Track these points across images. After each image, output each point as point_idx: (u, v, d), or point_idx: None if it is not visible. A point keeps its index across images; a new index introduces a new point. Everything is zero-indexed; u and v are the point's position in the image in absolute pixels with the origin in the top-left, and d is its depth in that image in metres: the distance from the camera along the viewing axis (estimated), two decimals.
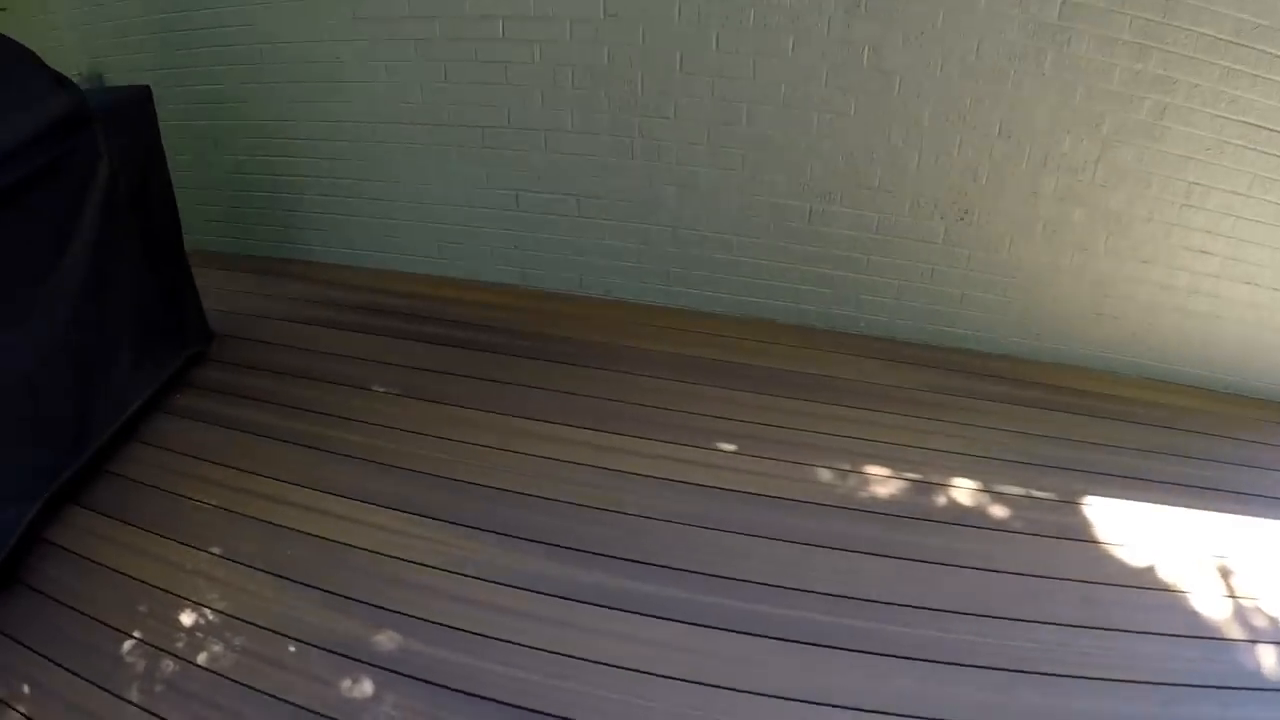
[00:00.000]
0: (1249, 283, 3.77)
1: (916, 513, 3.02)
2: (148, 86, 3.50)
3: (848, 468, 3.23)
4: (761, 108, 3.96)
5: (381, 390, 3.61)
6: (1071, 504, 3.13)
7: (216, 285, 4.51)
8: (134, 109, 3.32)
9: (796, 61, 3.79)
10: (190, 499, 2.96)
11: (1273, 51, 3.26)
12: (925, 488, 3.15)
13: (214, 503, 2.94)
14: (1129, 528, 3.01)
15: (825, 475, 3.15)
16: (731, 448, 3.32)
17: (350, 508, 2.89)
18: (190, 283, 3.83)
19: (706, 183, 4.17)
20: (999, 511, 3.08)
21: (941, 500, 3.12)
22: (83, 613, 2.51)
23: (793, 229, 4.14)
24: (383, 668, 2.35)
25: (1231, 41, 3.25)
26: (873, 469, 3.24)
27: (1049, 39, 3.50)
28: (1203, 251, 3.72)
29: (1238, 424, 3.77)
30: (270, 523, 2.81)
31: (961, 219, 3.98)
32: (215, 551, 2.71)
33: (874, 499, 3.06)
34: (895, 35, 3.66)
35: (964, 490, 3.15)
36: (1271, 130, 3.43)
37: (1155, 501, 3.15)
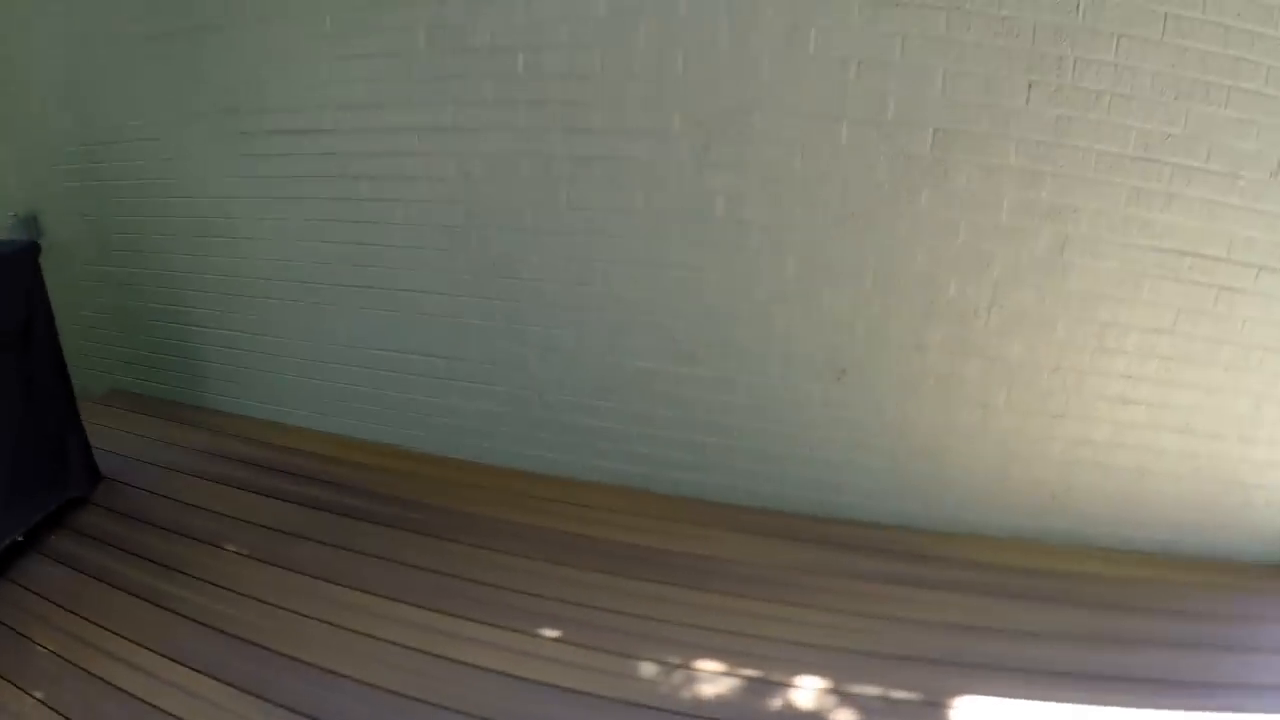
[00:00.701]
0: (1181, 431, 3.23)
1: (741, 718, 2.50)
2: (35, 242, 3.58)
3: (677, 661, 2.71)
4: (617, 266, 3.55)
5: (233, 550, 3.43)
6: (938, 706, 2.49)
7: (122, 427, 4.56)
8: (18, 262, 3.40)
9: (650, 216, 3.38)
10: (34, 641, 2.87)
11: (1189, 163, 2.81)
12: (761, 687, 2.60)
13: (53, 648, 2.84)
14: None
15: (649, 670, 2.69)
16: (557, 634, 2.89)
17: (170, 669, 2.74)
18: (77, 425, 3.76)
19: (566, 345, 3.77)
20: (842, 718, 2.48)
21: (776, 703, 2.52)
22: None
23: (658, 392, 3.66)
24: None
25: (1138, 157, 2.81)
26: (707, 663, 2.71)
27: (923, 174, 3.05)
28: (1124, 400, 3.20)
29: (1179, 593, 3.11)
30: (97, 675, 2.69)
31: (839, 379, 3.44)
32: (38, 696, 2.61)
33: (697, 700, 2.54)
34: (750, 182, 3.23)
35: (807, 690, 2.58)
36: (1196, 255, 2.92)
37: (1072, 699, 2.50)
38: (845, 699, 2.59)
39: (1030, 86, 2.88)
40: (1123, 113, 2.82)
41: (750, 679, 2.70)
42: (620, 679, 2.71)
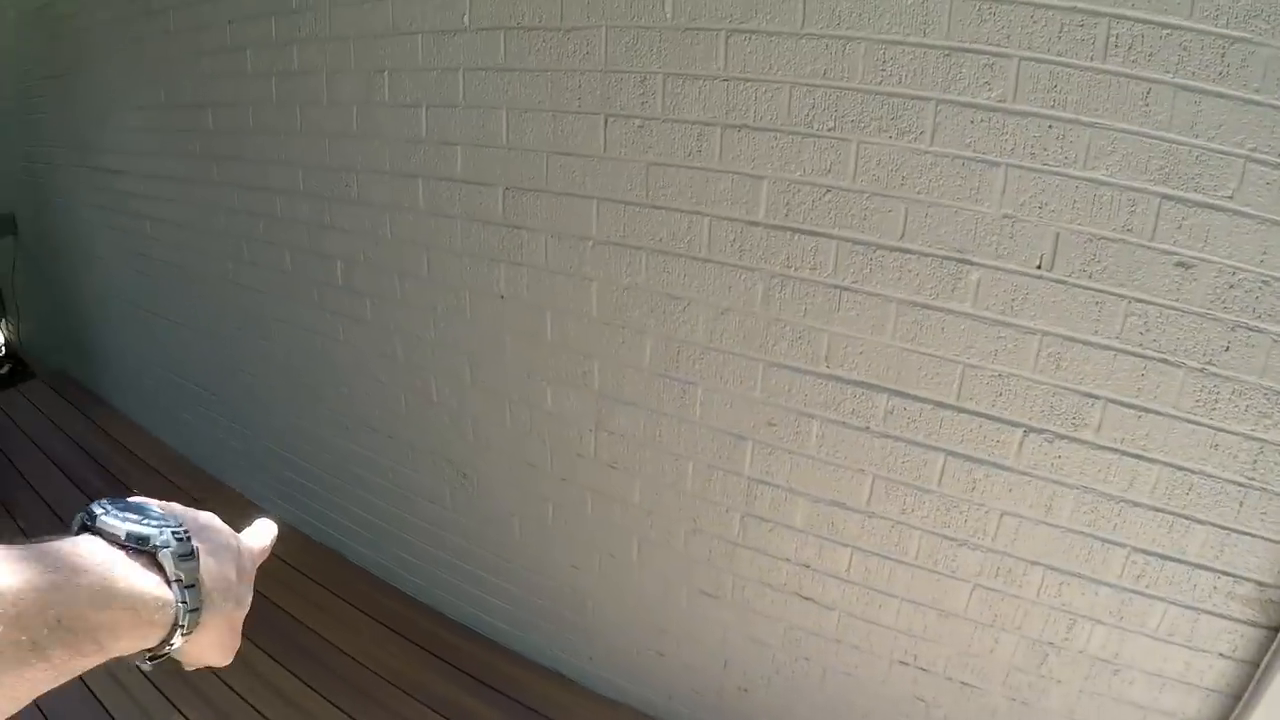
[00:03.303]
0: (902, 662, 1.97)
1: None
2: None
3: None
4: (280, 325, 2.89)
5: None
6: None
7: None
8: None
9: (294, 277, 2.74)
10: None
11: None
12: None
13: None
14: None
15: None
16: None
17: None
18: None
19: (240, 395, 3.11)
20: None
21: None
22: None
23: (322, 454, 3.02)
24: None
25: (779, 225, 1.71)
26: None
27: (499, 244, 2.18)
28: (801, 595, 2.05)
29: None
30: None
31: (464, 482, 2.54)
32: None
33: None
34: (357, 249, 2.55)
35: None
36: (895, 392, 1.73)
37: None
38: None
39: (607, 123, 1.90)
40: (751, 159, 1.70)
41: None
42: None
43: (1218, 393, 1.43)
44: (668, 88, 1.74)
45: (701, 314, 1.82)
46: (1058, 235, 1.47)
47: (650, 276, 1.86)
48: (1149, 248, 1.44)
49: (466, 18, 1.98)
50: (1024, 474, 1.59)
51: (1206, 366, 1.43)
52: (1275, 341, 1.36)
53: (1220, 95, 1.31)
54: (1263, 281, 1.33)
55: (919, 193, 1.54)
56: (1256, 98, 1.26)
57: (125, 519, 0.46)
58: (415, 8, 2.10)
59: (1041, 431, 1.56)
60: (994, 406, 1.59)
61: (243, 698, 2.30)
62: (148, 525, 0.46)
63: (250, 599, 0.56)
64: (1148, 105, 1.36)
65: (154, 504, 0.50)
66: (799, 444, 1.78)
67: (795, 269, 1.69)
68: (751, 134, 1.67)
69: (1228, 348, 1.43)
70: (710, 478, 1.93)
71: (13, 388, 4.60)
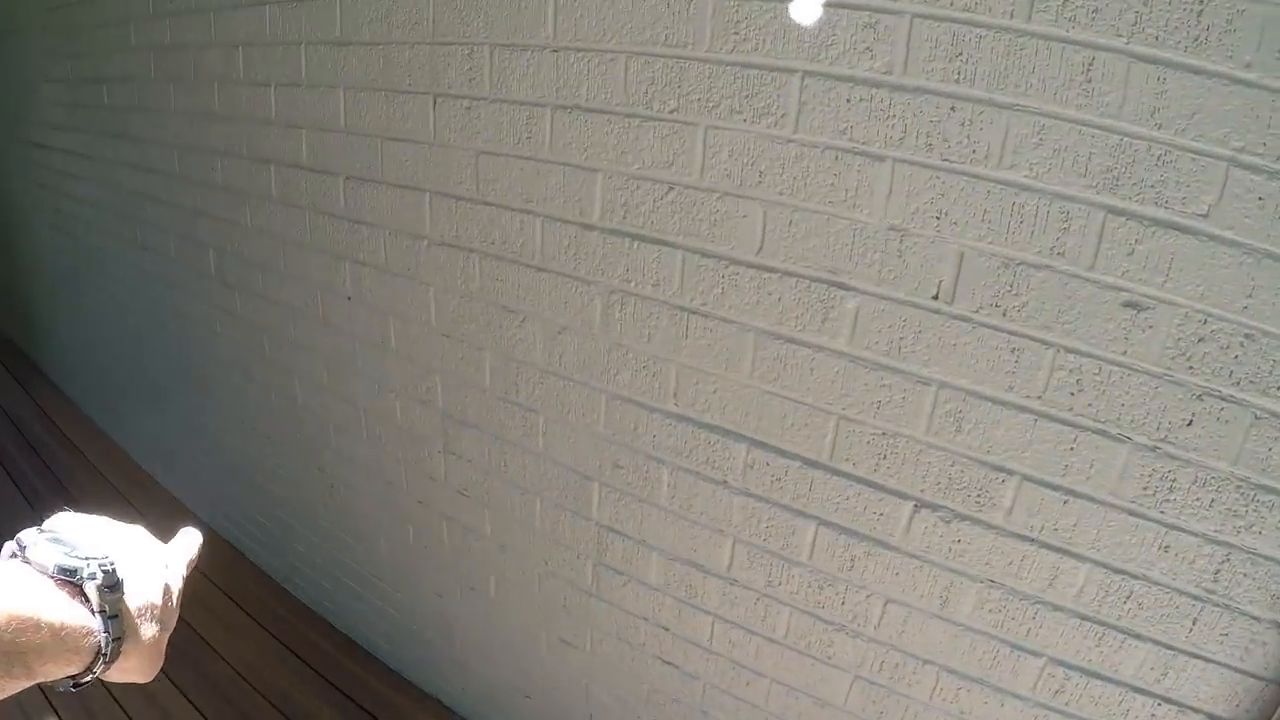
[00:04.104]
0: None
1: None
2: None
3: None
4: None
5: None
6: None
7: None
8: None
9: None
10: None
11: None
12: None
13: None
14: None
15: None
16: None
17: None
18: None
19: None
20: None
21: None
22: None
23: (224, 457, 2.49)
24: None
25: None
26: None
27: (346, 243, 1.73)
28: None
29: None
30: None
31: (331, 491, 2.12)
32: None
33: None
34: (229, 236, 2.11)
35: None
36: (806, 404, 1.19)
37: None
38: None
39: (436, 104, 1.42)
40: (583, 148, 1.09)
41: None
42: None
43: (1173, 479, 0.97)
44: (496, 61, 1.21)
45: (539, 331, 1.33)
46: (961, 256, 1.01)
47: (485, 284, 1.39)
48: (1087, 279, 0.95)
49: None
50: (914, 556, 1.09)
51: (1160, 444, 0.96)
52: (1258, 418, 0.83)
53: (1195, 70, 0.83)
54: (1245, 335, 0.81)
55: (780, 193, 1.03)
56: (1247, 75, 0.79)
57: (54, 550, 0.45)
58: None
59: (936, 508, 1.05)
60: (876, 471, 1.08)
61: (113, 695, 2.01)
62: (74, 558, 0.45)
63: (175, 619, 0.54)
64: (1090, 81, 0.89)
65: (82, 527, 0.50)
66: (649, 492, 1.30)
67: (636, 284, 1.19)
68: (584, 116, 1.14)
69: (1190, 421, 0.94)
70: (559, 518, 1.47)
71: None
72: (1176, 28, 0.81)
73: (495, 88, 1.29)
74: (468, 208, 1.39)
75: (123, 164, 2.36)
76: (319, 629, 2.25)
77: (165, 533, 0.61)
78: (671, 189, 1.15)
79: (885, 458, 1.10)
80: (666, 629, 1.43)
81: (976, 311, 0.99)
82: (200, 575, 1.83)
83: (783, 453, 1.18)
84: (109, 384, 3.18)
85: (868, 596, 1.18)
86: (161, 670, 0.57)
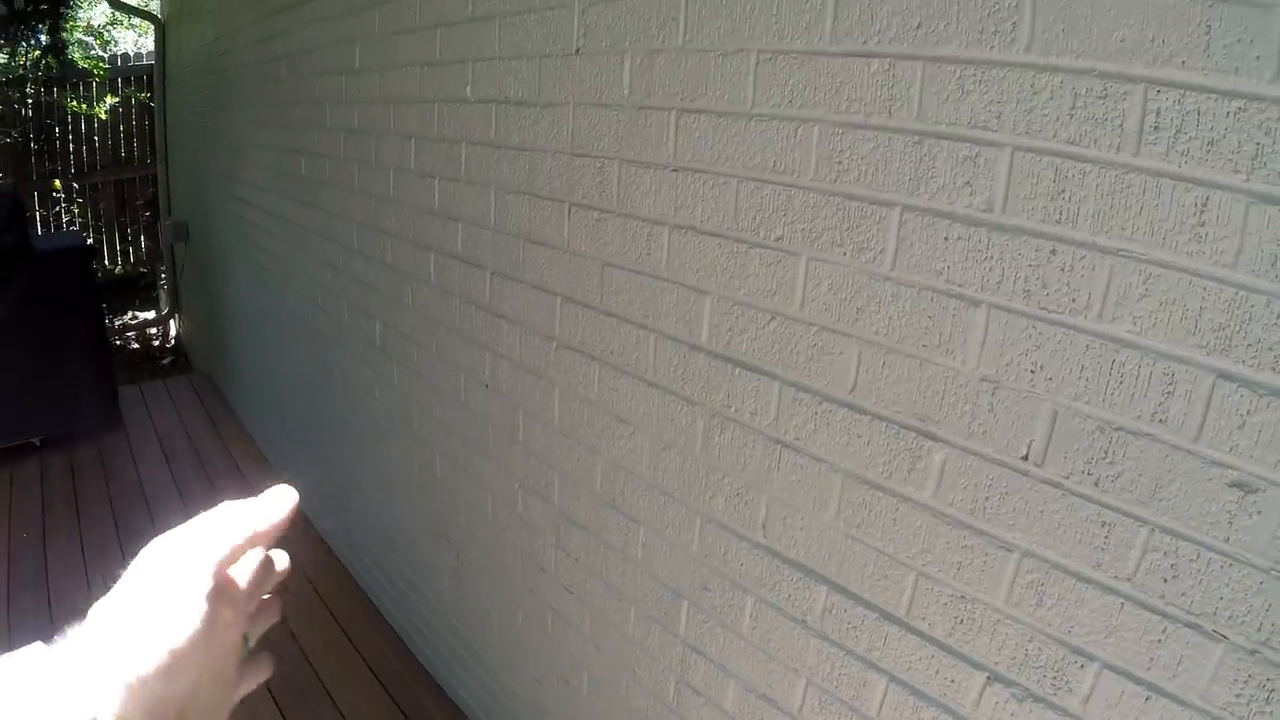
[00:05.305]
0: None
1: None
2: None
3: None
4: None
5: None
6: None
7: None
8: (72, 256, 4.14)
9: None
10: None
11: None
12: None
13: None
14: None
15: None
16: None
17: None
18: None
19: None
20: None
21: None
22: None
23: (368, 511, 2.91)
24: None
25: None
26: None
27: (488, 334, 2.06)
28: None
29: None
30: None
31: (458, 561, 2.44)
32: None
33: None
34: (393, 312, 2.56)
35: None
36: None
37: None
38: None
39: (570, 212, 1.76)
40: (696, 269, 1.16)
41: None
42: None
43: (1272, 689, 0.96)
44: (623, 176, 1.52)
45: (645, 444, 1.59)
46: (1055, 415, 1.07)
47: (602, 391, 1.67)
48: (1190, 452, 0.96)
49: (469, 89, 1.88)
50: None
51: (1260, 648, 0.96)
52: None
53: None
54: None
55: (876, 332, 1.20)
56: None
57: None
58: (435, 76, 2.12)
59: (1010, 684, 1.15)
60: (951, 635, 1.20)
61: None
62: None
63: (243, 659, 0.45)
64: (1202, 225, 0.90)
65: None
66: (732, 619, 1.49)
67: (735, 410, 1.41)
68: (698, 238, 1.40)
69: None
70: (649, 629, 1.68)
71: (165, 379, 5.21)
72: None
73: (621, 202, 1.56)
74: (592, 315, 1.67)
75: (311, 230, 2.95)
76: (429, 691, 2.59)
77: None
78: (774, 318, 1.34)
79: (961, 622, 1.20)
80: None
81: (1067, 478, 1.05)
82: (329, 615, 2.27)
83: (861, 601, 1.31)
84: (282, 426, 3.84)
85: None
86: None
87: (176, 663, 0.38)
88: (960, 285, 1.09)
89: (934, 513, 1.19)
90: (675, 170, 1.44)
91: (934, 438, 1.17)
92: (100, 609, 0.39)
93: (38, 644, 0.38)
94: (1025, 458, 1.09)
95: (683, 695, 1.65)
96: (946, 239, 1.10)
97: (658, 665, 1.69)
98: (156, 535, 0.33)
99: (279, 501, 0.47)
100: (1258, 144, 0.84)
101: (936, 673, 1.22)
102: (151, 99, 6.16)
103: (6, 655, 0.37)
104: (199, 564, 0.41)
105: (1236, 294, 0.88)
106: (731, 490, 1.45)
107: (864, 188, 1.18)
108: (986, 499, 1.13)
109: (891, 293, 1.18)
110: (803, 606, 1.38)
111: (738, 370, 1.41)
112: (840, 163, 1.20)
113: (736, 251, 1.37)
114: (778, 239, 1.30)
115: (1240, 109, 0.85)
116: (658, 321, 1.53)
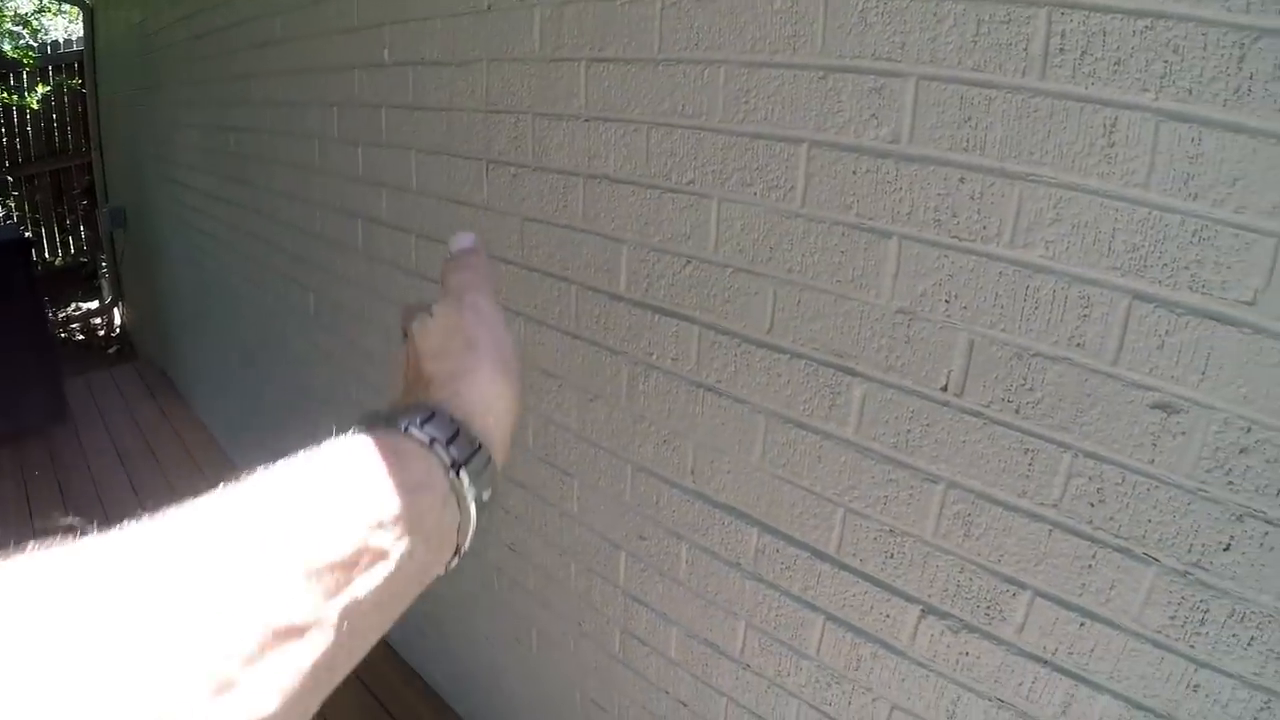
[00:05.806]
0: None
1: None
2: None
3: None
4: None
5: None
6: None
7: None
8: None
9: None
10: None
11: None
12: None
13: None
14: None
15: None
16: None
17: None
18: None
19: None
20: None
21: None
22: None
23: None
24: None
25: None
26: None
27: (418, 299, 2.03)
28: None
29: None
30: None
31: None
32: None
33: None
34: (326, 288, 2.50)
35: None
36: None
37: None
38: None
39: (488, 170, 1.68)
40: (611, 218, 1.12)
41: None
42: None
43: (1206, 610, 0.94)
44: (537, 130, 1.44)
45: (573, 397, 1.53)
46: (972, 344, 1.04)
47: (528, 348, 1.60)
48: (1110, 375, 0.93)
49: (386, 52, 1.79)
50: (920, 664, 1.17)
51: (1192, 569, 0.94)
52: None
53: (1236, 129, 0.80)
54: None
55: (790, 270, 1.15)
56: None
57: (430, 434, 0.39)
58: (353, 42, 2.03)
59: (943, 615, 1.12)
60: (883, 570, 1.17)
61: None
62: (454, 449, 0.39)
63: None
64: (1112, 146, 0.88)
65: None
66: (669, 566, 1.46)
67: (657, 357, 1.36)
68: (611, 186, 1.33)
69: (1228, 546, 0.91)
70: (591, 582, 1.65)
71: (112, 369, 5.18)
72: (1214, 79, 0.76)
73: (536, 156, 1.49)
74: (515, 271, 1.60)
75: (244, 206, 2.83)
76: (383, 654, 2.54)
77: None
78: (689, 262, 1.29)
79: (892, 557, 1.17)
80: (684, 705, 1.55)
81: (988, 406, 1.03)
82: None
83: (792, 540, 1.28)
84: (231, 410, 3.73)
85: (874, 700, 1.25)
86: None
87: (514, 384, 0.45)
88: (871, 218, 1.05)
89: (857, 448, 1.15)
90: (587, 120, 1.37)
91: (853, 373, 1.13)
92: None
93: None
94: (945, 388, 1.05)
95: (629, 645, 1.62)
96: (855, 172, 1.05)
97: (602, 617, 1.65)
98: (109, 529, 0.30)
99: (464, 240, 0.56)
100: (1166, 62, 0.80)
101: (871, 608, 1.20)
102: (84, 86, 5.89)
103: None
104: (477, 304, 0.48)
105: (1149, 214, 0.85)
106: (659, 438, 1.40)
107: (771, 126, 1.12)
108: (909, 432, 1.09)
109: (803, 229, 1.13)
110: (736, 550, 1.34)
111: (657, 317, 1.35)
112: (747, 102, 1.14)
113: (650, 198, 1.31)
114: (689, 182, 1.24)
115: (1147, 27, 0.81)
116: (578, 273, 1.47)
